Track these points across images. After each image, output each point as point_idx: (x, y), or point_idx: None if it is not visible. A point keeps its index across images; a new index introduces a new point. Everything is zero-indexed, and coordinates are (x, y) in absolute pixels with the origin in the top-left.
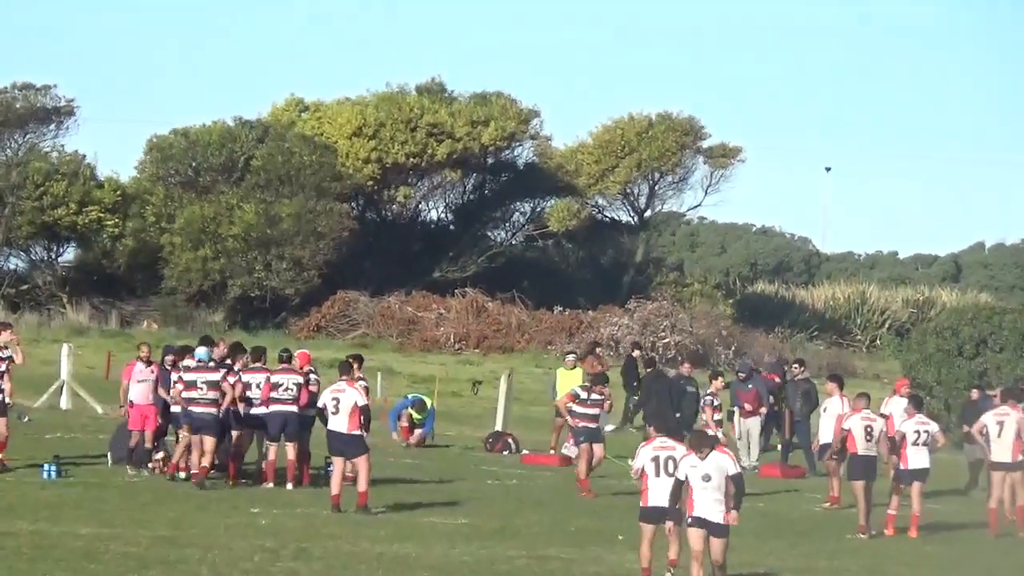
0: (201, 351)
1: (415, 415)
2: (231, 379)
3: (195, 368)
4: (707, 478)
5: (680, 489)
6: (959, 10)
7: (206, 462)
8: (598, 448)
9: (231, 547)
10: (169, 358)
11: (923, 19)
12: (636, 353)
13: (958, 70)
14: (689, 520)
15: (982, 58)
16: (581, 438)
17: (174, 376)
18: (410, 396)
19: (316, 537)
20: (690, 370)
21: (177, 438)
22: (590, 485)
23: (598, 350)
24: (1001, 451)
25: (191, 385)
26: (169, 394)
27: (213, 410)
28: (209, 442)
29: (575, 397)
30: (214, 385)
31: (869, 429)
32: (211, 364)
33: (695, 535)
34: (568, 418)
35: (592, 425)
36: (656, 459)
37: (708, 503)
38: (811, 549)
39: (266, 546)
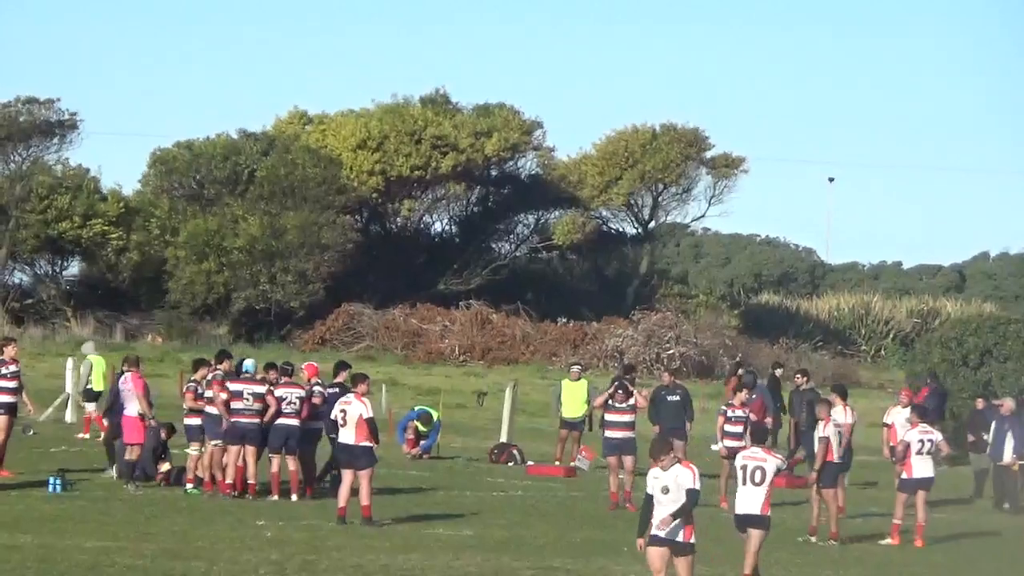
0: (248, 363)
1: (421, 427)
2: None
3: (241, 379)
4: (666, 490)
5: (651, 505)
6: (963, 21)
7: (251, 472)
8: (627, 460)
9: (236, 560)
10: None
11: (926, 29)
12: (779, 372)
13: (962, 80)
14: (648, 537)
15: (986, 68)
16: (605, 452)
17: (199, 383)
18: (416, 408)
19: (321, 549)
20: (671, 380)
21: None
22: (619, 500)
23: (740, 371)
24: None
25: (236, 395)
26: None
27: (257, 420)
28: (251, 452)
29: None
30: (259, 397)
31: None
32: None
33: (653, 554)
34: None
35: (616, 435)
36: (744, 467)
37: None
38: (816, 559)
39: (271, 558)
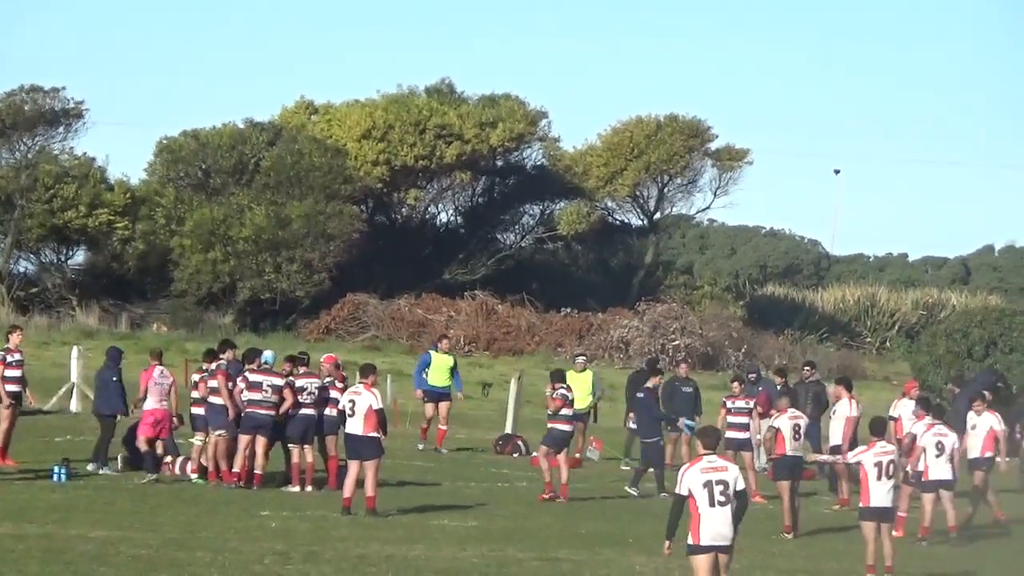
0: (267, 354)
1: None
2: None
3: (261, 371)
4: (724, 491)
5: (682, 507)
6: (969, 13)
7: (259, 463)
8: (560, 457)
9: (241, 550)
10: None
11: (932, 22)
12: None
13: (968, 73)
14: (690, 547)
15: (992, 60)
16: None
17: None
18: (424, 356)
19: (326, 540)
20: (687, 371)
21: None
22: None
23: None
24: None
25: (255, 386)
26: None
27: (273, 413)
28: (262, 443)
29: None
30: (278, 389)
31: (797, 428)
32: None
33: (703, 563)
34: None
35: (558, 427)
36: (879, 464)
37: (717, 519)
38: (820, 551)
39: (276, 549)
